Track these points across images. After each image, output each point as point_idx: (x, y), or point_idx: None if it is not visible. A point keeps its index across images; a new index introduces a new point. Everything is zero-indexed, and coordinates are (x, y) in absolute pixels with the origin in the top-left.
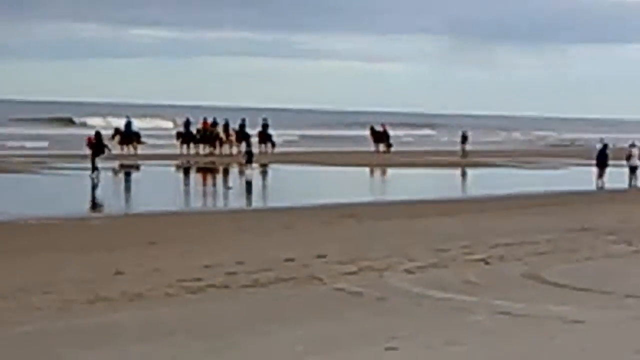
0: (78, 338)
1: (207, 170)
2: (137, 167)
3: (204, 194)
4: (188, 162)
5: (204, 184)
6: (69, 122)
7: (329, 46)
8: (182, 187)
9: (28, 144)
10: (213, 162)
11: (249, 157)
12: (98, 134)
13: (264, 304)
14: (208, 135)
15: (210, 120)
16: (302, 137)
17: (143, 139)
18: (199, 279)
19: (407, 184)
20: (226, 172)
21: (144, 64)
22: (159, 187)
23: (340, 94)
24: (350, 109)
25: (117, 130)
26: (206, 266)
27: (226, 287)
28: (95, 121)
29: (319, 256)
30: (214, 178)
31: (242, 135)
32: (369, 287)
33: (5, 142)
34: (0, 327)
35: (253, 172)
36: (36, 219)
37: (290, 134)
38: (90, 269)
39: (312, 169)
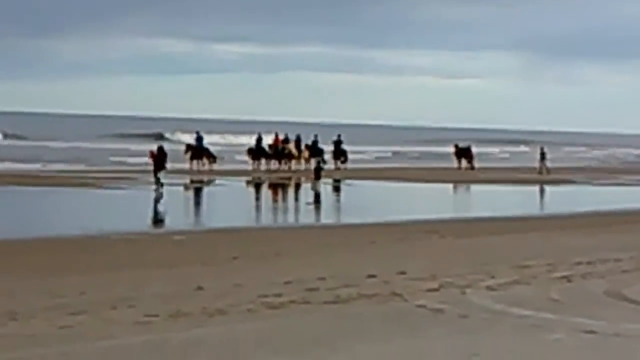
0: (159, 353)
1: (282, 186)
2: (208, 183)
3: (284, 210)
4: (259, 178)
5: (283, 200)
6: (160, 137)
7: (409, 62)
8: (261, 202)
9: (130, 160)
10: (287, 178)
11: (318, 172)
12: (161, 148)
13: (345, 320)
14: (280, 151)
15: (282, 137)
16: (395, 153)
17: (221, 155)
18: (279, 295)
19: (489, 200)
20: (302, 188)
21: (228, 80)
22: (237, 203)
23: (421, 109)
24: (430, 125)
25: (189, 146)
26: (287, 282)
27: (307, 302)
28: (186, 137)
29: (401, 272)
30: (291, 193)
31: (315, 151)
32: (451, 303)
33: (98, 156)
34: (82, 342)
35: (328, 187)
36: (120, 234)
37: (384, 150)
38: (172, 284)
39: (393, 185)
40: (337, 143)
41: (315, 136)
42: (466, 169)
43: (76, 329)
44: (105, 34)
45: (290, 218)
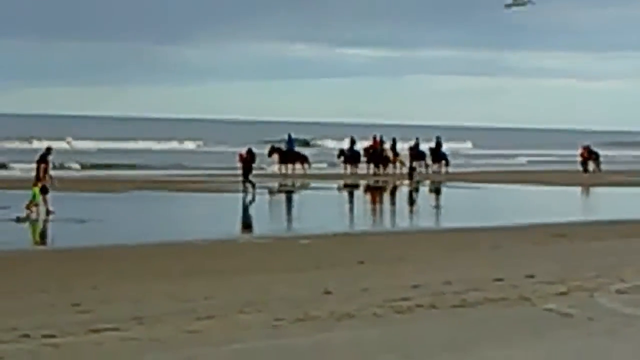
0: (288, 357)
1: (392, 190)
2: (304, 187)
3: (404, 214)
4: (366, 181)
5: (399, 203)
6: (306, 144)
7: (543, 64)
8: (378, 206)
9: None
10: (386, 182)
11: (411, 174)
12: (250, 151)
13: (472, 324)
14: (377, 154)
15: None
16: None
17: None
18: (407, 299)
19: (617, 203)
20: (413, 191)
21: (357, 84)
22: (355, 207)
23: (555, 112)
24: (564, 127)
25: (273, 148)
26: (414, 286)
27: (434, 307)
28: (329, 143)
29: (528, 276)
30: (403, 197)
31: (417, 155)
32: (579, 307)
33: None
34: (209, 346)
35: (446, 190)
36: (246, 238)
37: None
38: (299, 288)
39: (517, 188)
40: (437, 146)
41: (417, 139)
42: (593, 171)
43: (203, 333)
44: (234, 39)
45: (413, 222)
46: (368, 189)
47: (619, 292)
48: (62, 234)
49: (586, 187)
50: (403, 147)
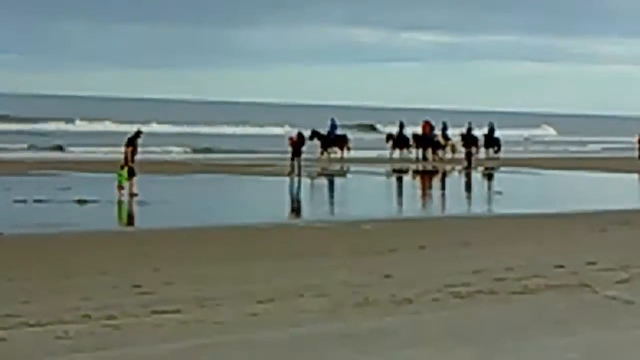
0: (347, 342)
1: (448, 174)
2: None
3: (466, 199)
4: (423, 166)
5: (460, 189)
6: (372, 128)
7: (601, 51)
8: (438, 191)
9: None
10: (436, 167)
11: (469, 159)
12: (300, 134)
13: (533, 310)
14: (427, 139)
15: (437, 124)
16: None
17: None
18: (467, 284)
19: None
20: (471, 177)
21: (419, 69)
22: (412, 192)
23: (615, 98)
24: (620, 113)
25: (314, 133)
26: (475, 271)
27: (494, 293)
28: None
29: (590, 263)
30: (461, 182)
31: (469, 140)
32: None
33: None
34: (269, 329)
35: (505, 176)
36: (308, 222)
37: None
38: (360, 273)
39: (581, 175)
40: (490, 131)
41: (470, 124)
42: None
43: (263, 316)
44: (300, 24)
45: (475, 207)
46: (424, 173)
47: None
48: (122, 216)
49: None
50: (454, 133)
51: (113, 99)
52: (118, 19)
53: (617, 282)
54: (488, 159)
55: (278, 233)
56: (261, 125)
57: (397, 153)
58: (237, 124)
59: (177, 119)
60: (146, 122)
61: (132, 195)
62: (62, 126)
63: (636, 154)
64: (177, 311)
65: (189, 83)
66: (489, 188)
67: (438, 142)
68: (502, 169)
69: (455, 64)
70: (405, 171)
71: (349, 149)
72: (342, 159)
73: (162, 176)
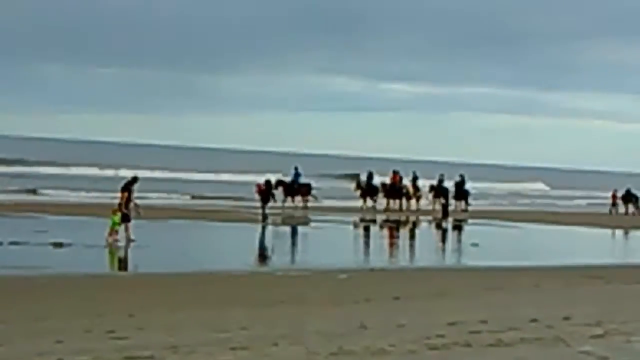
0: None
1: (418, 226)
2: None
3: (439, 251)
4: (393, 217)
5: (434, 240)
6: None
7: (580, 105)
8: (414, 242)
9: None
10: (407, 218)
11: (445, 211)
12: (268, 182)
13: None
14: (397, 189)
15: (403, 175)
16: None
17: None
18: (442, 336)
19: None
20: (444, 228)
21: (397, 118)
22: (388, 242)
23: (591, 153)
24: (603, 169)
25: (280, 182)
26: (450, 323)
27: (469, 345)
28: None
29: (565, 318)
30: (434, 234)
31: (440, 191)
32: (616, 351)
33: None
34: None
35: (479, 228)
36: (284, 270)
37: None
38: (335, 322)
39: (549, 228)
40: (460, 183)
41: (441, 175)
42: (633, 214)
43: None
44: (277, 72)
45: (449, 259)
46: (396, 223)
47: None
48: (98, 260)
49: (622, 229)
50: (425, 184)
51: (87, 142)
52: (95, 62)
53: (592, 337)
54: (458, 211)
55: (253, 280)
56: (239, 172)
57: (369, 202)
58: (214, 170)
59: (154, 164)
60: (124, 166)
61: (129, 240)
62: (36, 169)
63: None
64: (151, 357)
65: (166, 128)
66: (460, 240)
67: (407, 192)
68: (474, 221)
69: (434, 115)
70: (375, 221)
71: (314, 197)
72: (305, 208)
73: (138, 221)
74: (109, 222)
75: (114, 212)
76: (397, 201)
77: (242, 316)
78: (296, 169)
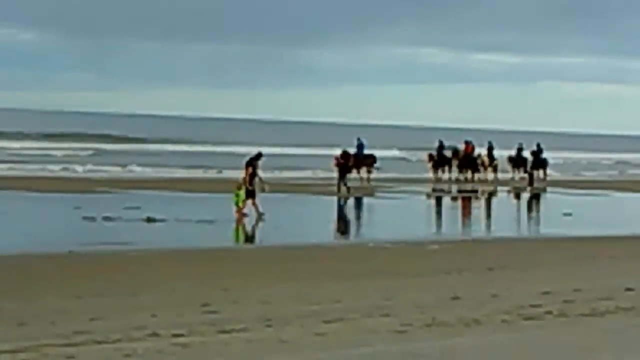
0: None
1: (511, 196)
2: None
3: (532, 220)
4: (442, 189)
5: (525, 210)
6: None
7: None
8: (505, 213)
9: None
10: (475, 190)
11: (531, 179)
12: (345, 153)
13: (602, 333)
14: (469, 159)
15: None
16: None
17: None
18: (536, 306)
19: None
20: (532, 199)
21: (487, 90)
22: (481, 213)
23: None
24: None
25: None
26: (544, 293)
27: (563, 315)
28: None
29: None
30: (523, 204)
31: (518, 161)
32: None
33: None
34: (336, 349)
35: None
36: (376, 242)
37: None
38: (428, 293)
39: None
40: (537, 152)
41: (520, 144)
42: None
43: (330, 336)
44: (365, 44)
45: (542, 229)
46: (470, 195)
47: None
48: (192, 235)
49: None
50: (502, 154)
51: (184, 119)
52: (185, 38)
53: None
54: (537, 180)
55: (346, 253)
56: (331, 146)
57: (441, 173)
58: (302, 144)
59: (247, 140)
60: (222, 143)
61: (259, 215)
62: (132, 146)
63: None
64: (245, 330)
65: (255, 103)
66: (553, 209)
67: (482, 162)
68: (567, 190)
69: (524, 85)
70: (450, 192)
71: (376, 169)
72: (368, 180)
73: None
74: (233, 198)
75: (239, 188)
76: (470, 171)
77: (335, 289)
78: (359, 139)
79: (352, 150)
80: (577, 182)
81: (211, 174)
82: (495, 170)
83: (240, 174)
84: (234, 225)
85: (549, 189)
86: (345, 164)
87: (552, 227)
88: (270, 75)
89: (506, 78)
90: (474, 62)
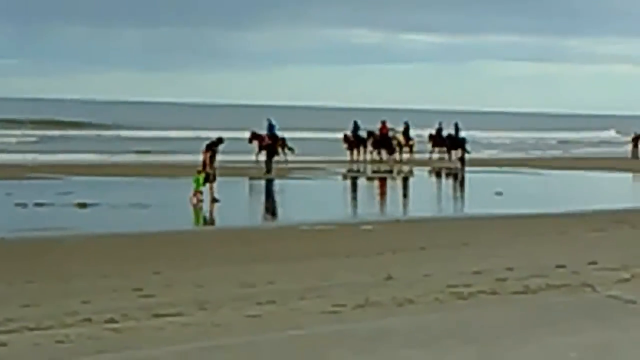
0: (347, 342)
1: (439, 175)
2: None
3: (465, 200)
4: (358, 169)
5: (456, 190)
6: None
7: (601, 50)
8: (438, 192)
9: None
10: (393, 169)
11: (462, 161)
12: (254, 134)
13: (534, 310)
14: (384, 139)
15: (390, 125)
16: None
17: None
18: (468, 285)
19: None
20: (460, 178)
21: (417, 70)
22: (413, 192)
23: (614, 98)
24: (620, 113)
25: (253, 135)
26: (475, 272)
27: (496, 293)
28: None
29: (591, 263)
30: (450, 183)
31: (438, 140)
32: None
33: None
34: (270, 331)
35: (505, 176)
36: (309, 224)
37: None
38: (361, 274)
39: (568, 174)
40: (455, 132)
41: (440, 124)
42: None
43: (264, 318)
44: (297, 25)
45: (474, 208)
46: (384, 176)
47: None
48: (125, 219)
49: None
50: (422, 134)
51: (115, 103)
52: (118, 23)
53: (618, 282)
54: (454, 159)
55: (279, 235)
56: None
57: (355, 154)
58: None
59: (176, 123)
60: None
61: (213, 200)
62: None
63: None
64: (178, 314)
65: (187, 86)
66: (485, 188)
67: (399, 142)
68: (495, 169)
69: (453, 65)
70: (365, 172)
71: (290, 149)
72: (286, 162)
73: (159, 179)
74: (193, 182)
75: (199, 172)
76: (386, 152)
77: (269, 271)
78: (269, 120)
79: (262, 132)
80: (504, 160)
81: (145, 158)
82: (411, 150)
83: (201, 158)
84: (171, 209)
85: (473, 168)
86: (273, 144)
87: (484, 207)
88: (200, 58)
89: (438, 58)
90: (406, 42)
